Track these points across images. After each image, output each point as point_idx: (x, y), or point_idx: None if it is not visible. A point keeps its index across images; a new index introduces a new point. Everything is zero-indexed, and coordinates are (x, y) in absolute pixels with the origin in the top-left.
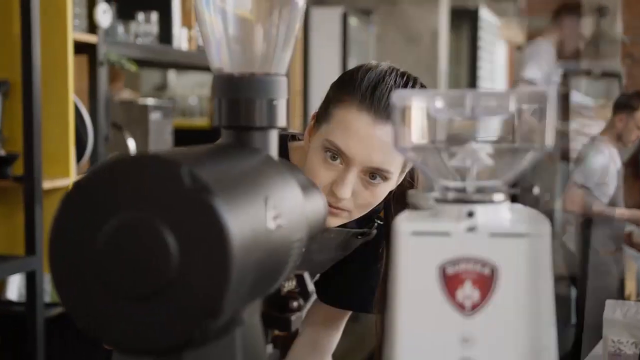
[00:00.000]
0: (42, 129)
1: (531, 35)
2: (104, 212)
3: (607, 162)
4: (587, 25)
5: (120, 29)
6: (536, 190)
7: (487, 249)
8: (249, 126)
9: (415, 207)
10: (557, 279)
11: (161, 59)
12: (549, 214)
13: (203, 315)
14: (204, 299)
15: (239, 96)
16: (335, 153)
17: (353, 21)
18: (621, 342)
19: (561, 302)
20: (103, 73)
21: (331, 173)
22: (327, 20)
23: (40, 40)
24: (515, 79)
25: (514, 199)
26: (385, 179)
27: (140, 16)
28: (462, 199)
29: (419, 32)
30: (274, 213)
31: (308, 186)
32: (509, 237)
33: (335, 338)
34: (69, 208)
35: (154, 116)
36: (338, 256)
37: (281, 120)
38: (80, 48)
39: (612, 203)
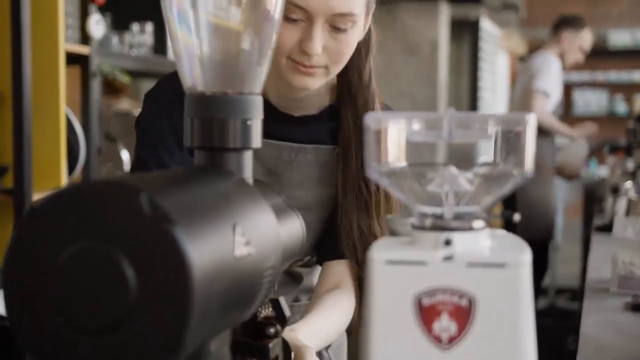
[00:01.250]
0: (33, 141)
1: (532, 46)
2: (61, 240)
3: (558, 74)
4: (589, 39)
5: (115, 39)
6: (516, 217)
7: (464, 279)
8: (222, 147)
9: (393, 233)
10: None
11: (155, 70)
12: (549, 225)
13: (163, 351)
14: (164, 333)
15: (212, 116)
16: (293, 12)
17: None
18: (633, 264)
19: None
20: (96, 84)
21: (295, 32)
22: None
23: (32, 51)
24: (520, 88)
25: (507, 223)
26: (352, 23)
27: (135, 27)
28: (440, 226)
29: (418, 43)
30: (244, 240)
31: (284, 209)
32: (488, 267)
33: (353, 298)
34: (24, 235)
35: None
36: (319, 190)
37: (256, 141)
38: (73, 59)
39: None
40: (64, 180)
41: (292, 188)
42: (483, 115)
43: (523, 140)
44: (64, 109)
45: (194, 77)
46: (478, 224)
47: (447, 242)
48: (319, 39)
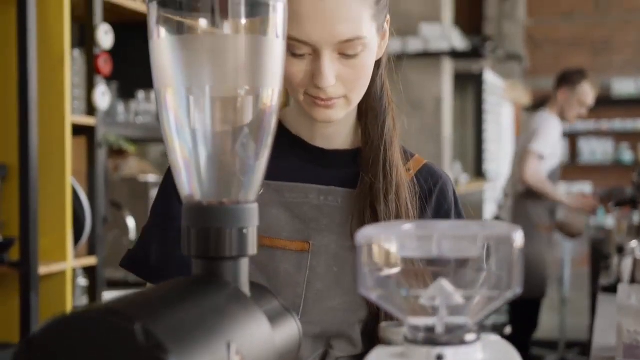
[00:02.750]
0: (39, 213)
1: (536, 96)
2: None
3: (559, 134)
4: (588, 92)
5: (121, 107)
6: (508, 329)
7: None
8: (218, 256)
9: (386, 342)
10: None
11: (160, 137)
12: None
13: None
14: None
15: (209, 226)
16: (297, 49)
17: None
18: (638, 333)
19: None
20: (101, 154)
21: (304, 67)
22: None
23: (39, 124)
24: (520, 147)
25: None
26: (362, 47)
27: (141, 94)
28: (432, 340)
29: (422, 99)
30: (238, 358)
31: (280, 313)
32: None
33: None
34: None
35: (155, 193)
36: (351, 239)
37: (252, 249)
38: (79, 129)
39: (551, 177)
40: (70, 251)
41: (322, 236)
42: (472, 230)
43: (511, 255)
44: (70, 180)
45: (191, 187)
46: (470, 337)
47: (439, 358)
48: (330, 70)
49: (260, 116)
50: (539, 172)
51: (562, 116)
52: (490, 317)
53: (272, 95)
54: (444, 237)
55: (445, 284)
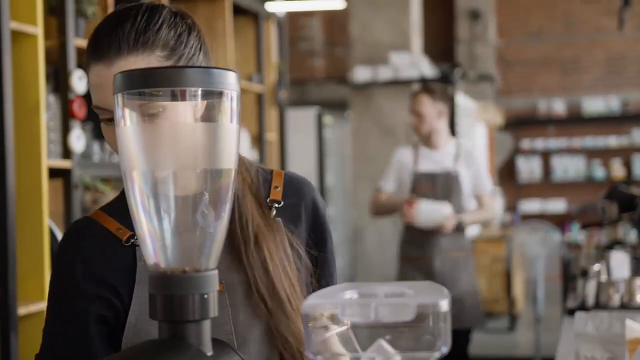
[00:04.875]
0: (18, 255)
1: (509, 115)
2: None
3: (399, 165)
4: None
5: (96, 147)
6: None
7: None
8: (182, 320)
9: None
10: None
11: None
12: None
13: None
14: None
15: (173, 293)
16: (101, 114)
17: (328, 119)
18: (595, 359)
19: None
20: (77, 196)
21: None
22: (303, 119)
23: (15, 168)
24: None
25: None
26: (162, 108)
27: None
28: None
29: (394, 125)
30: None
31: None
32: None
33: None
34: None
35: None
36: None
37: (213, 311)
38: (56, 172)
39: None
40: (47, 291)
41: (230, 273)
42: (404, 300)
43: (438, 319)
44: (47, 222)
45: (156, 256)
46: None
47: None
48: None
49: (218, 192)
50: (371, 203)
51: (420, 135)
52: None
53: (229, 172)
54: (381, 304)
55: (384, 344)
